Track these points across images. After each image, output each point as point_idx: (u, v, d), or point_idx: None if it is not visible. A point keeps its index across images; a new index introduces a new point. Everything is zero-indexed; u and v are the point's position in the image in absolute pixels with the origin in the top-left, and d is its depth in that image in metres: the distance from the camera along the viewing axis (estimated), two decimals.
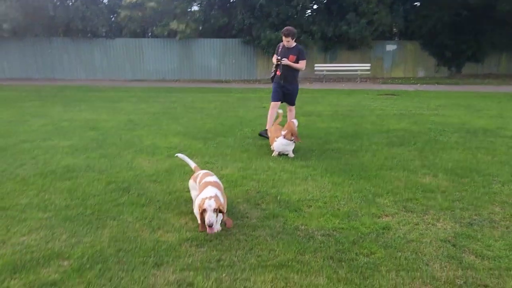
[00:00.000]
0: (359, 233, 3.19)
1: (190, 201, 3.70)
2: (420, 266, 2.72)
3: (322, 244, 3.00)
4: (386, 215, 3.57)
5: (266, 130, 6.50)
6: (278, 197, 3.95)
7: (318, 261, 2.76)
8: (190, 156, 5.42)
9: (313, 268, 2.67)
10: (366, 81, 19.63)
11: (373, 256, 2.85)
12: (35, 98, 12.02)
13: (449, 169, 4.87)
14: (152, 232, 3.19)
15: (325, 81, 19.29)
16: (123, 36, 19.94)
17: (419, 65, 21.62)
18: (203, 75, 20.18)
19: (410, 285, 2.49)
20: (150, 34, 21.25)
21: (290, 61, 6.22)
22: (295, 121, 5.77)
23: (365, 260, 2.78)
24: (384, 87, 16.53)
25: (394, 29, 22.66)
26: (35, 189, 4.10)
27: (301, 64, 6.32)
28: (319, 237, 3.13)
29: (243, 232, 3.19)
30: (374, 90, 15.13)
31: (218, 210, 2.94)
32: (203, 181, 3.35)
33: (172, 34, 19.35)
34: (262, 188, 4.22)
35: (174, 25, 18.52)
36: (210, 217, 2.88)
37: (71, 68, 19.54)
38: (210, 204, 2.90)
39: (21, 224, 3.29)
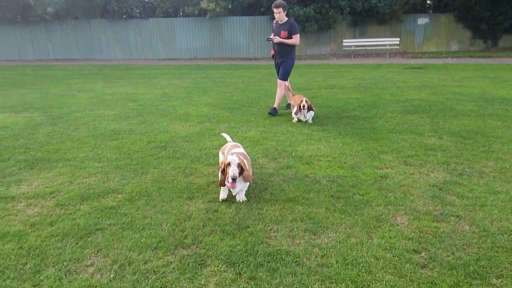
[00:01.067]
0: (359, 180, 3.74)
1: (217, 155, 4.34)
2: (406, 202, 3.25)
3: (325, 187, 3.58)
4: (387, 168, 4.07)
5: (289, 104, 6.86)
6: (293, 153, 4.54)
7: (320, 198, 3.35)
8: (218, 122, 6.13)
9: (315, 202, 3.27)
10: (395, 55, 19.45)
11: (367, 195, 3.40)
12: (79, 76, 13.08)
13: (455, 132, 5.25)
14: (186, 176, 3.89)
15: (354, 57, 19.29)
16: (156, 16, 20.71)
17: (452, 38, 21.04)
18: (232, 53, 20.69)
19: (393, 215, 3.04)
20: (181, 13, 21.89)
21: (282, 37, 6.28)
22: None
23: (360, 198, 3.34)
24: (413, 61, 16.41)
25: (428, 1, 22.04)
26: (90, 147, 4.91)
27: (294, 39, 6.30)
28: (324, 182, 3.70)
29: (261, 178, 3.82)
30: (402, 64, 15.11)
31: (240, 166, 3.12)
32: (231, 152, 3.62)
33: (202, 13, 19.90)
34: (280, 146, 4.82)
35: (204, 4, 19.03)
36: (233, 170, 3.02)
37: (108, 48, 20.64)
38: (234, 159, 3.08)
39: (82, 171, 4.09)
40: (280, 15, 6.23)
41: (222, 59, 20.08)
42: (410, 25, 20.71)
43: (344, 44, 19.70)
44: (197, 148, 4.80)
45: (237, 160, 3.10)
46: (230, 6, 20.70)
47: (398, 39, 19.64)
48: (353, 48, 19.44)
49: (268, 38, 6.47)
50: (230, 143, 3.86)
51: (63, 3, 18.25)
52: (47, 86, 10.57)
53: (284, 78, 6.52)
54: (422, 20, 20.94)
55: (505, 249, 2.54)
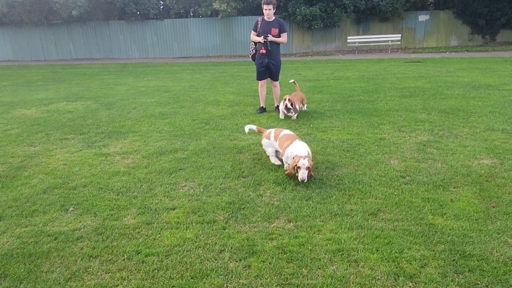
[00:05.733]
0: (363, 140, 4.94)
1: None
2: (398, 152, 4.45)
3: (338, 145, 4.79)
4: (384, 133, 5.27)
5: (262, 107, 6.86)
6: (311, 125, 5.75)
7: (334, 151, 4.56)
8: (245, 106, 7.32)
9: (331, 153, 4.48)
10: (397, 51, 20.56)
11: (369, 149, 4.60)
12: (107, 73, 14.37)
13: (442, 110, 6.43)
14: (231, 141, 5.11)
15: (358, 53, 20.44)
16: (170, 17, 21.98)
17: (452, 34, 22.10)
18: (243, 51, 21.89)
19: (387, 159, 4.24)
20: (192, 14, 23.17)
21: (273, 34, 6.22)
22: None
23: (364, 150, 4.55)
24: (413, 55, 17.53)
25: None
26: (147, 123, 6.16)
27: (284, 38, 6.32)
28: (337, 142, 4.91)
29: None
30: (402, 58, 16.24)
31: (309, 169, 3.55)
32: (281, 134, 4.05)
33: (214, 13, 21.13)
34: (299, 121, 6.03)
35: (216, 5, 20.26)
36: (303, 174, 3.49)
37: (126, 47, 21.95)
38: (304, 163, 3.50)
39: (150, 138, 5.33)
40: (270, 12, 6.17)
41: (234, 56, 21.31)
42: (411, 22, 21.80)
43: (348, 40, 20.85)
44: (234, 123, 6.02)
45: (306, 164, 3.51)
46: (239, 6, 21.90)
47: (400, 35, 20.76)
48: (357, 44, 20.58)
49: (264, 37, 6.23)
50: (271, 129, 4.27)
51: (87, 6, 19.56)
52: (84, 81, 11.86)
53: (278, 78, 6.81)
54: (423, 17, 22.02)
55: (463, 174, 3.75)
